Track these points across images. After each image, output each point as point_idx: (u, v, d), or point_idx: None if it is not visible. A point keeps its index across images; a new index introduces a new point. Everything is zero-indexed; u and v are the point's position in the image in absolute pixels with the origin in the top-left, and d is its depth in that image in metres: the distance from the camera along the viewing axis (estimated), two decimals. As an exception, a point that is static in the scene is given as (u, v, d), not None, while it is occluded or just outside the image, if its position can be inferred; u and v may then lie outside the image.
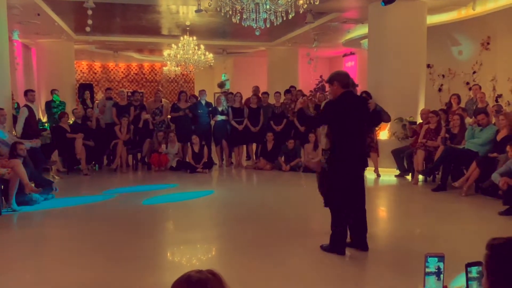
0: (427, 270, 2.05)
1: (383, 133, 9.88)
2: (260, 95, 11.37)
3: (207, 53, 13.99)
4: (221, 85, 20.45)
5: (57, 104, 11.39)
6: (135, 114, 10.52)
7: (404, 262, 4.27)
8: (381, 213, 6.74)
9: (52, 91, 11.58)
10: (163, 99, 11.53)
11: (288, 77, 15.20)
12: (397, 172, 9.24)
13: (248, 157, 11.20)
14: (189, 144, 10.26)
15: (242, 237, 5.22)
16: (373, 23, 10.33)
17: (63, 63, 14.31)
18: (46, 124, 11.42)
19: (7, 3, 8.53)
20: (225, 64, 19.80)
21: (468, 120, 8.58)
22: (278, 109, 10.64)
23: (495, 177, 6.24)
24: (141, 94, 15.39)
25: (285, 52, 16.11)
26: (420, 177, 8.53)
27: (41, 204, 6.74)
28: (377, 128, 9.23)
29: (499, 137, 7.29)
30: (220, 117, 10.65)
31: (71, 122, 10.33)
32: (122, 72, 21.28)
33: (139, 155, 10.61)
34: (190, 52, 13.38)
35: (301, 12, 6.89)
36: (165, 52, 14.35)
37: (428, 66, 12.03)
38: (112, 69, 21.13)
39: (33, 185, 6.61)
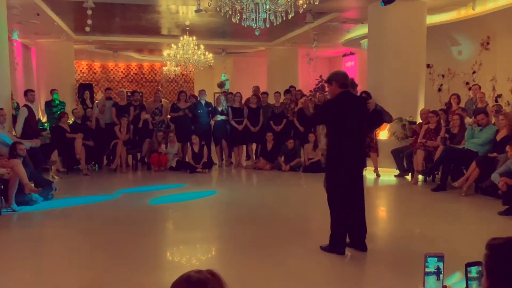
0: (426, 270, 2.05)
1: (383, 133, 9.88)
2: (259, 95, 11.37)
3: (206, 53, 13.99)
4: (221, 85, 20.45)
5: (56, 103, 11.39)
6: (134, 114, 10.52)
7: (403, 262, 4.27)
8: (380, 213, 6.74)
9: (52, 91, 11.58)
10: (162, 99, 11.53)
11: (288, 77, 15.20)
12: (397, 172, 9.24)
13: (248, 157, 11.20)
14: (188, 144, 10.27)
15: (242, 237, 5.22)
16: (372, 23, 10.33)
17: (63, 63, 14.31)
18: (46, 124, 11.42)
19: (6, 3, 8.52)
20: (224, 64, 19.81)
21: (468, 120, 8.58)
22: (278, 109, 10.64)
23: (495, 177, 6.24)
24: (140, 94, 15.40)
25: (284, 52, 16.11)
26: (420, 177, 8.53)
27: (41, 204, 6.74)
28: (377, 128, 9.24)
29: (498, 137, 7.29)
30: (220, 117, 10.65)
31: (70, 122, 10.33)
32: (121, 72, 21.29)
33: (138, 155, 10.61)
34: (190, 52, 13.37)
35: (300, 12, 6.89)
36: (165, 52, 14.35)
37: (428, 66, 12.04)
38: (111, 69, 21.13)
39: (32, 185, 6.61)
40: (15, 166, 6.27)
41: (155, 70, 21.60)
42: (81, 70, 20.46)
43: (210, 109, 10.84)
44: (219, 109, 10.71)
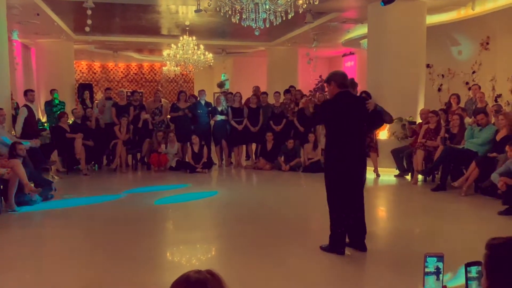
0: (426, 270, 2.05)
1: (383, 133, 9.89)
2: (259, 95, 11.37)
3: (206, 53, 13.99)
4: (221, 85, 20.45)
5: (56, 103, 11.39)
6: (134, 114, 10.51)
7: (403, 262, 4.27)
8: (380, 213, 6.74)
9: (52, 91, 11.57)
10: (162, 99, 11.53)
11: (288, 77, 15.20)
12: (397, 172, 9.25)
13: (248, 157, 11.20)
14: (188, 144, 10.27)
15: (241, 237, 5.22)
16: (372, 23, 10.33)
17: (63, 63, 14.31)
18: (45, 124, 11.42)
19: (6, 3, 8.52)
20: (224, 64, 19.81)
21: (468, 120, 8.58)
22: (278, 109, 10.64)
23: (495, 177, 6.25)
24: (140, 94, 15.40)
25: (284, 52, 16.11)
26: (420, 177, 8.53)
27: (41, 204, 6.73)
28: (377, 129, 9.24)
29: (498, 137, 7.29)
30: (219, 117, 10.65)
31: (70, 122, 10.33)
32: (121, 72, 21.29)
33: (138, 155, 10.61)
34: (190, 52, 13.37)
35: (300, 12, 6.89)
36: (165, 52, 14.35)
37: (428, 66, 12.04)
38: (111, 69, 21.13)
39: (32, 185, 6.62)
40: (15, 166, 6.27)
41: (155, 70, 21.60)
42: (81, 70, 20.46)
43: (210, 109, 10.84)
44: (219, 109, 10.71)
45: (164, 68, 17.55)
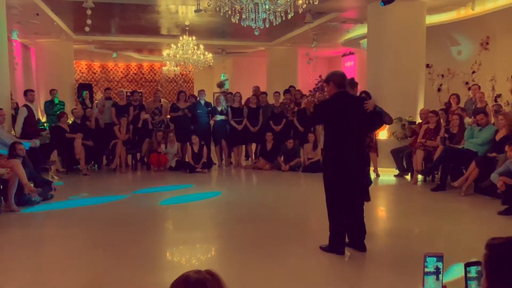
0: (426, 270, 2.05)
1: (383, 133, 9.89)
2: (259, 95, 11.37)
3: (206, 53, 13.99)
4: (221, 85, 20.45)
5: (55, 103, 11.39)
6: (134, 114, 10.50)
7: (403, 262, 4.27)
8: (380, 212, 6.74)
9: (52, 91, 11.56)
10: (162, 99, 11.52)
11: (288, 77, 15.21)
12: (396, 172, 9.25)
13: (247, 157, 11.20)
14: (188, 144, 10.27)
15: (241, 237, 5.22)
16: (372, 23, 10.33)
17: (62, 63, 14.31)
18: (45, 124, 11.42)
19: (6, 2, 8.52)
20: (224, 64, 19.81)
21: (467, 120, 8.58)
22: (278, 109, 10.63)
23: (494, 177, 6.25)
24: (140, 94, 15.38)
25: (284, 52, 16.11)
26: (420, 177, 8.53)
27: (42, 205, 6.72)
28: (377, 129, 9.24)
29: (498, 137, 7.29)
30: (219, 117, 10.64)
31: (70, 122, 10.32)
32: (121, 72, 21.29)
33: (138, 155, 10.60)
34: (190, 52, 13.38)
35: (300, 12, 6.89)
36: (165, 52, 14.35)
37: (427, 66, 12.05)
38: (111, 69, 21.13)
39: (32, 185, 6.61)
40: (14, 166, 6.27)
41: (155, 70, 21.60)
42: (80, 70, 20.46)
43: (209, 109, 10.84)
44: (219, 109, 10.71)
45: (164, 68, 17.55)
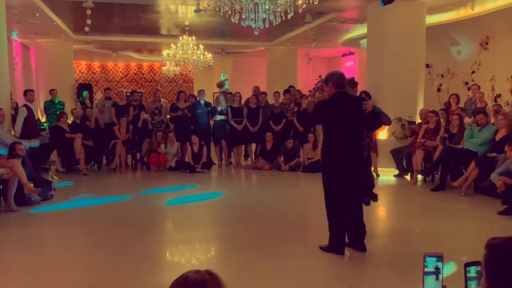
0: (426, 269, 2.05)
1: (382, 133, 9.89)
2: (259, 95, 11.37)
3: (206, 53, 13.99)
4: (220, 85, 20.45)
5: (55, 103, 11.38)
6: (134, 114, 10.50)
7: (403, 262, 4.27)
8: (380, 212, 6.73)
9: (51, 91, 11.55)
10: (162, 99, 11.52)
11: (287, 77, 15.21)
12: (396, 172, 9.25)
13: (246, 157, 11.18)
14: (188, 144, 10.26)
15: (241, 237, 5.22)
16: (372, 23, 10.33)
17: (62, 63, 14.31)
18: (45, 124, 11.41)
19: (6, 2, 8.52)
20: (224, 64, 19.81)
21: (467, 120, 8.58)
22: (277, 109, 10.63)
23: (494, 177, 6.25)
24: (140, 94, 15.38)
25: (284, 52, 16.11)
26: (419, 177, 8.53)
27: (41, 205, 6.72)
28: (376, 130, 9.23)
29: (498, 137, 7.29)
30: (219, 117, 10.64)
31: (70, 122, 10.32)
32: (121, 72, 21.28)
33: (138, 155, 10.60)
34: (189, 52, 13.37)
35: (300, 12, 6.88)
36: (164, 52, 14.34)
37: (427, 66, 12.04)
38: (111, 69, 21.12)
39: (32, 185, 6.61)
40: (14, 166, 6.27)
41: (155, 70, 21.60)
42: (80, 70, 20.46)
43: (209, 109, 10.84)
44: (219, 109, 10.70)
45: (164, 68, 17.54)
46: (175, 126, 10.82)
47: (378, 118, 4.62)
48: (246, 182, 9.62)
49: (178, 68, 15.44)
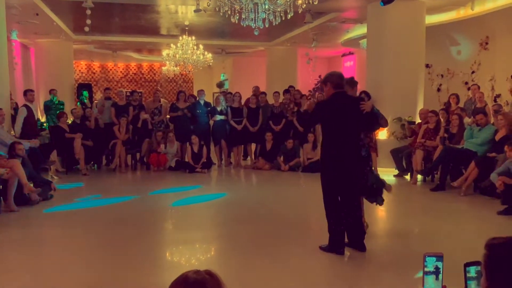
0: (425, 269, 2.04)
1: (382, 133, 9.88)
2: (259, 95, 11.37)
3: (206, 53, 13.99)
4: (220, 85, 20.45)
5: (55, 103, 11.38)
6: (134, 114, 10.50)
7: (403, 262, 4.27)
8: (379, 212, 6.73)
9: (51, 92, 11.55)
10: (162, 99, 11.52)
11: (287, 77, 15.21)
12: (396, 172, 9.24)
13: (245, 157, 11.17)
14: (188, 144, 10.26)
15: (241, 237, 5.22)
16: (372, 23, 10.33)
17: (62, 63, 14.31)
18: (45, 124, 11.41)
19: (5, 2, 8.51)
20: (224, 64, 19.81)
21: (467, 120, 8.58)
22: (277, 109, 10.63)
23: (494, 177, 6.25)
24: (140, 94, 15.37)
25: (284, 52, 16.11)
26: (419, 176, 8.53)
27: (41, 205, 6.71)
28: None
29: (497, 137, 7.29)
30: (219, 117, 10.64)
31: (69, 122, 10.32)
32: (121, 72, 21.28)
33: (138, 155, 10.60)
34: (189, 52, 13.37)
35: (300, 12, 6.88)
36: (164, 52, 14.34)
37: (427, 66, 12.04)
38: (110, 69, 21.12)
39: (31, 185, 6.60)
40: (14, 166, 6.27)
41: (154, 70, 21.60)
42: (80, 70, 20.45)
43: (209, 109, 10.83)
44: (218, 109, 10.70)
45: (164, 68, 17.55)
46: (175, 126, 10.81)
47: (376, 120, 4.62)
48: (246, 182, 9.62)
49: (178, 68, 15.45)
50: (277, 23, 6.73)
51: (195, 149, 9.96)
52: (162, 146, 10.18)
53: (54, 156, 9.42)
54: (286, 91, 11.06)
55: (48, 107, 11.46)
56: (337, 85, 4.52)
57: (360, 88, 10.42)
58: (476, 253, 1.91)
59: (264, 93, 11.52)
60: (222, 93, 12.78)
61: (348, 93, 4.74)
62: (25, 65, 14.79)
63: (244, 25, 6.78)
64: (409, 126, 9.43)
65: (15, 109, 9.66)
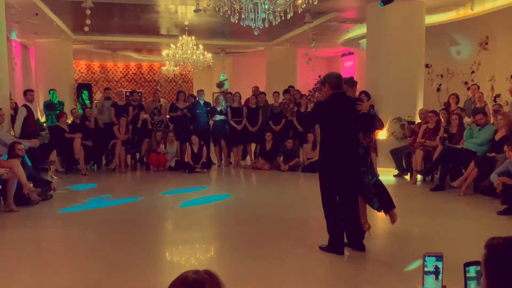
0: (425, 269, 2.05)
1: (382, 133, 9.88)
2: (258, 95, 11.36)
3: (205, 53, 13.98)
4: (220, 85, 20.45)
5: (55, 103, 11.38)
6: (133, 114, 10.50)
7: (402, 262, 4.27)
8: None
9: (50, 91, 11.55)
10: (161, 99, 11.51)
11: (287, 77, 15.21)
12: (396, 171, 9.24)
13: (244, 157, 11.16)
14: (187, 144, 10.26)
15: (241, 236, 5.22)
16: (371, 23, 10.33)
17: (62, 63, 14.29)
18: (44, 124, 11.40)
19: (5, 2, 8.51)
20: (223, 64, 19.81)
21: (467, 120, 8.58)
22: (277, 109, 10.63)
23: (494, 177, 6.25)
24: (139, 94, 15.36)
25: (283, 52, 16.11)
26: (419, 176, 8.53)
27: (42, 205, 6.71)
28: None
29: (497, 137, 7.29)
30: (218, 117, 10.64)
31: (69, 122, 10.31)
32: (120, 72, 21.27)
33: (137, 155, 10.59)
34: (189, 52, 13.36)
35: (299, 12, 6.88)
36: (164, 52, 14.33)
37: (427, 66, 12.04)
38: (110, 69, 21.11)
39: (31, 185, 6.60)
40: (13, 166, 6.27)
41: (154, 70, 21.59)
42: (80, 70, 20.44)
43: (209, 109, 10.83)
44: (218, 109, 10.70)
45: (163, 68, 17.53)
46: (175, 126, 10.81)
47: (372, 121, 4.62)
48: (246, 182, 9.61)
49: (178, 68, 15.44)
50: (276, 23, 6.72)
51: (195, 149, 9.96)
52: (162, 146, 10.18)
53: (53, 156, 9.41)
54: (286, 91, 11.06)
55: (53, 105, 11.41)
56: (335, 86, 4.52)
57: (359, 88, 10.43)
58: (476, 253, 1.91)
59: (263, 93, 11.52)
60: (222, 93, 12.78)
61: (347, 93, 4.74)
62: (25, 65, 14.78)
63: (244, 25, 6.77)
64: (409, 126, 9.43)
65: (15, 109, 9.65)
